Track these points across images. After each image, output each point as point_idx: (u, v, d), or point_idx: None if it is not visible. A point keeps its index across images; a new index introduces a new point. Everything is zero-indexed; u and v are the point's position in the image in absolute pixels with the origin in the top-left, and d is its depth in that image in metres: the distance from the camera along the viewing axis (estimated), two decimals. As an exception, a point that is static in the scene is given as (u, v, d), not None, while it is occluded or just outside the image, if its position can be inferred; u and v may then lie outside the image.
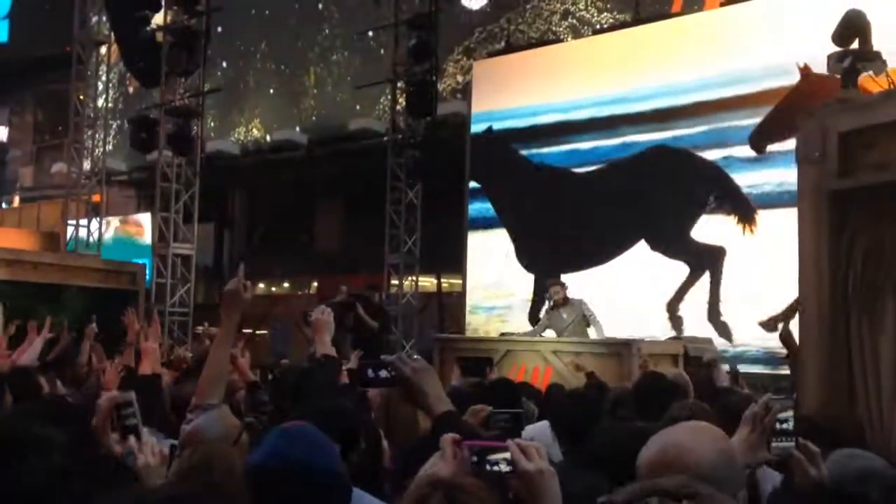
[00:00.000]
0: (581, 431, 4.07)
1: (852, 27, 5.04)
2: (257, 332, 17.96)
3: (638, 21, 13.19)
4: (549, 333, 9.50)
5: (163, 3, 14.80)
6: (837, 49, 5.07)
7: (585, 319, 9.43)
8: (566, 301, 9.55)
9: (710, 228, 11.29)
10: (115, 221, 19.61)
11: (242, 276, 3.29)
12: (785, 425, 2.45)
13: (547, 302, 9.90)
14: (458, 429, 2.50)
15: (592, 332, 9.37)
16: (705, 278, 11.30)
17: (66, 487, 1.90)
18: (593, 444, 2.93)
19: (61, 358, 6.32)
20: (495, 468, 1.92)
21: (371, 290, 11.89)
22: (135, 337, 5.59)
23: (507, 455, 1.91)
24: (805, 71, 10.30)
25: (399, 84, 14.49)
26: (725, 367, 7.52)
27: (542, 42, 14.60)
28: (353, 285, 12.73)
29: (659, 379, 4.66)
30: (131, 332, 5.73)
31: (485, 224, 13.54)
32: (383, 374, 2.56)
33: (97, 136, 16.79)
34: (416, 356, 2.76)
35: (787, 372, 7.60)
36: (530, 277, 12.82)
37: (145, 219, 18.26)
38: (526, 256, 13.03)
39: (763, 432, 2.41)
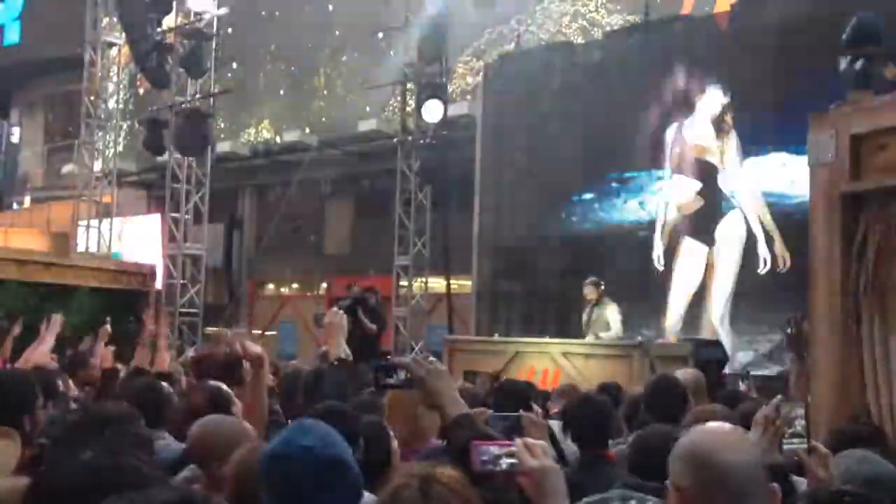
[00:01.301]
0: (593, 433, 4.10)
1: (865, 29, 5.04)
2: (266, 332, 18.01)
3: (648, 23, 13.17)
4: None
5: (174, 4, 14.85)
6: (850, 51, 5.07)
7: (607, 323, 9.46)
8: (598, 301, 9.57)
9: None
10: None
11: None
12: (796, 427, 2.46)
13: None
14: (473, 431, 2.51)
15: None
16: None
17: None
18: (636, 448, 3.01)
19: (74, 360, 6.35)
20: (503, 466, 1.97)
21: (368, 293, 11.89)
22: (148, 337, 5.65)
23: (514, 453, 1.97)
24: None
25: (409, 85, 14.51)
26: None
27: (552, 44, 14.59)
28: (362, 287, 12.74)
29: (671, 381, 4.65)
30: (147, 332, 5.77)
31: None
32: (398, 376, 2.58)
33: (108, 137, 16.85)
34: (431, 357, 2.77)
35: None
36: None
37: (155, 219, 18.30)
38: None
39: (775, 434, 2.42)
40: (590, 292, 9.66)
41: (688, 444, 1.99)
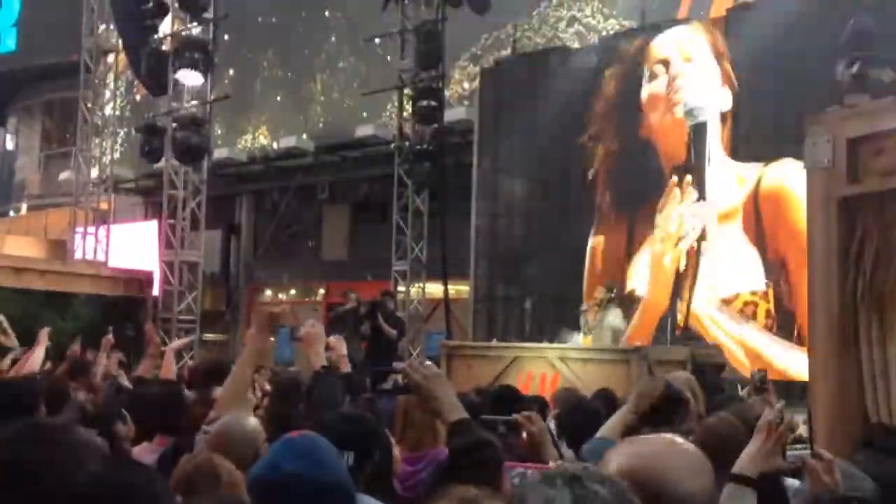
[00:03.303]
0: (582, 436, 4.09)
1: (861, 33, 5.05)
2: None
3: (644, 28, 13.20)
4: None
5: (170, 11, 14.84)
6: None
7: (608, 328, 9.52)
8: (609, 303, 9.63)
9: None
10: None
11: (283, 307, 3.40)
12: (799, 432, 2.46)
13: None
14: (473, 436, 2.50)
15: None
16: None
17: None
18: None
19: (74, 368, 6.34)
20: None
21: (386, 297, 11.86)
22: (156, 349, 5.65)
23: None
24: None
25: (406, 91, 14.52)
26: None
27: (549, 48, 14.60)
28: (361, 292, 12.72)
29: (666, 386, 4.62)
30: (153, 345, 5.77)
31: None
32: (395, 381, 2.58)
33: (104, 143, 16.84)
34: (427, 362, 2.77)
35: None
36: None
37: (152, 226, 18.28)
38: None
39: (778, 440, 2.41)
40: (599, 292, 9.77)
41: (637, 465, 1.67)
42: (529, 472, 2.00)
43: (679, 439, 1.81)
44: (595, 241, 12.63)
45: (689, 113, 11.52)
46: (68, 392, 4.62)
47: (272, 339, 18.03)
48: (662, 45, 12.17)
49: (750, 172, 11.11)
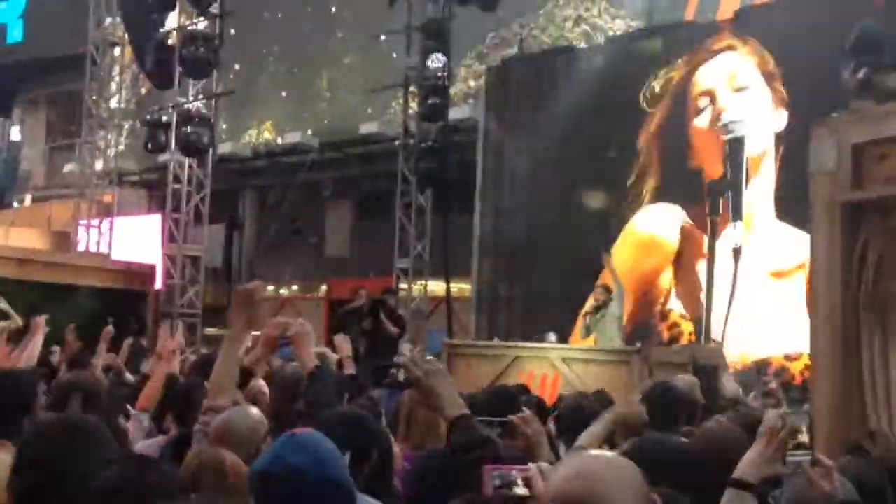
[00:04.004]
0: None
1: (867, 39, 5.04)
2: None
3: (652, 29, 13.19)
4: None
5: (177, 5, 14.85)
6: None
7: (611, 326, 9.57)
8: (610, 303, 9.68)
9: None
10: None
11: (259, 283, 3.36)
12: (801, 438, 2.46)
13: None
14: (473, 433, 2.50)
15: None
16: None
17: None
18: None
19: (73, 361, 6.32)
20: (517, 492, 1.91)
21: (387, 295, 11.86)
22: (166, 350, 5.66)
23: (529, 478, 1.91)
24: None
25: (411, 88, 14.51)
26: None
27: (555, 48, 14.60)
28: (363, 289, 12.71)
29: (668, 389, 4.62)
30: (162, 345, 5.78)
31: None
32: (397, 376, 2.58)
33: (109, 136, 16.85)
34: (429, 357, 2.77)
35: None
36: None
37: (155, 219, 18.28)
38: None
39: (779, 446, 2.41)
40: (598, 293, 9.82)
41: (572, 488, 1.58)
42: (513, 472, 1.99)
43: (613, 456, 1.77)
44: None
45: (726, 127, 11.20)
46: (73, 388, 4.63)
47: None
48: (706, 75, 11.80)
49: (806, 242, 10.51)
